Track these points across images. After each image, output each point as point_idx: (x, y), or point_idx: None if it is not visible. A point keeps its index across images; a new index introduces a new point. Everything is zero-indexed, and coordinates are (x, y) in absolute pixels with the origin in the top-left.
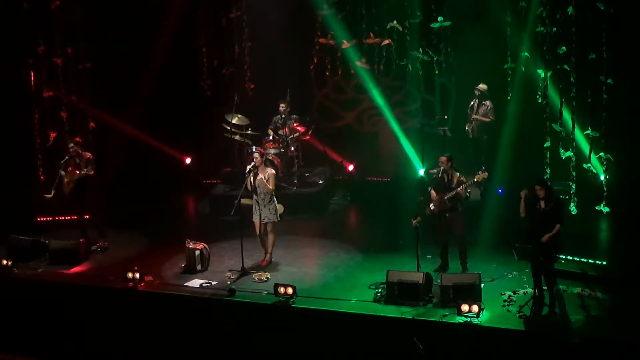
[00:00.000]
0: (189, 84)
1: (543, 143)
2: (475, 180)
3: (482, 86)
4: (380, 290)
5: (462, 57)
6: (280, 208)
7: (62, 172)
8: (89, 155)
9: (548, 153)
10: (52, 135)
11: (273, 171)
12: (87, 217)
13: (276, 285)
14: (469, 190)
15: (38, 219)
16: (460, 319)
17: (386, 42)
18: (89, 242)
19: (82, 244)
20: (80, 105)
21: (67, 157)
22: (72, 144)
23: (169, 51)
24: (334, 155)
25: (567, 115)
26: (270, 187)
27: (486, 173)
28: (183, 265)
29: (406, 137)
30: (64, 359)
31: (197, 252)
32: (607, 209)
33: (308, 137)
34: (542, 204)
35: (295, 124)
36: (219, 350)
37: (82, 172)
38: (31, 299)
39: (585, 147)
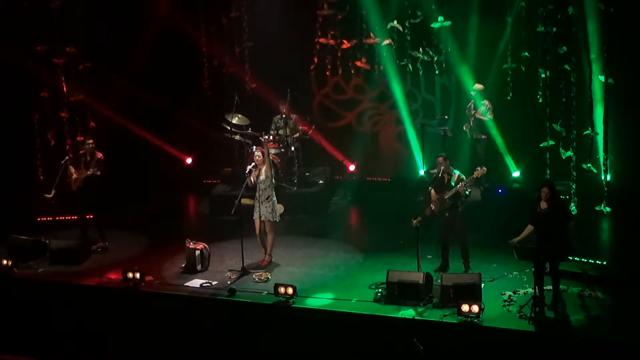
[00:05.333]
0: (189, 84)
1: (541, 143)
2: (475, 176)
3: (478, 86)
4: (380, 290)
5: (463, 56)
6: (280, 208)
7: (73, 169)
8: (100, 155)
9: (548, 153)
10: (49, 135)
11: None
12: (90, 216)
13: (276, 285)
14: (468, 189)
15: (38, 219)
16: (460, 319)
17: (386, 42)
18: (89, 242)
19: (83, 244)
20: (80, 105)
21: (82, 154)
22: (90, 141)
23: (169, 50)
24: (336, 154)
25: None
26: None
27: (485, 169)
28: (183, 265)
29: (409, 136)
30: (64, 359)
31: (197, 252)
32: (607, 209)
33: (309, 135)
34: (543, 205)
35: (302, 123)
36: (219, 350)
37: (90, 171)
38: (31, 299)
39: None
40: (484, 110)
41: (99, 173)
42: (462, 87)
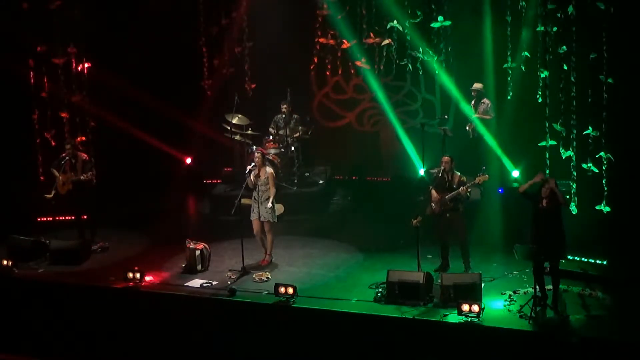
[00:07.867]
0: (189, 84)
1: (540, 142)
2: (476, 182)
3: (477, 85)
4: (380, 290)
5: (463, 56)
6: (280, 208)
7: (56, 173)
8: (85, 156)
9: (547, 153)
10: (47, 135)
11: (272, 170)
12: (85, 217)
13: (276, 285)
14: (469, 191)
15: (38, 219)
16: (460, 319)
17: (386, 42)
18: (89, 242)
19: (83, 244)
20: (80, 104)
21: (66, 157)
22: (68, 145)
23: (169, 51)
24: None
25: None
26: (272, 189)
27: (487, 175)
28: (183, 265)
29: (406, 136)
30: (63, 359)
31: (198, 252)
32: (607, 209)
33: (309, 135)
34: (545, 202)
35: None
36: (219, 351)
37: (82, 177)
38: (31, 299)
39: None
40: (485, 109)
41: (92, 178)
42: (462, 86)
